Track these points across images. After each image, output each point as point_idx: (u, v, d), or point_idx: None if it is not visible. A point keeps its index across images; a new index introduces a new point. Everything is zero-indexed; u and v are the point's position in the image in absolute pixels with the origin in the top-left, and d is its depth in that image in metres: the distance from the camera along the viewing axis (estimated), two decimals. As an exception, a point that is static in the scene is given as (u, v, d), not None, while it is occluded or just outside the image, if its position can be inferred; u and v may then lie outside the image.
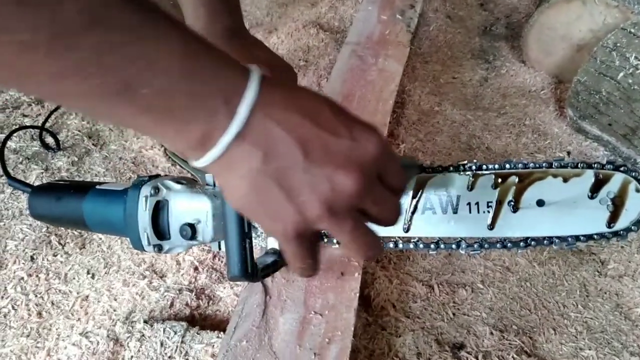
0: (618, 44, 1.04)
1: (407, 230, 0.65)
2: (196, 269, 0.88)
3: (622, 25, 1.06)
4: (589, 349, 0.79)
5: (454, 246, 0.65)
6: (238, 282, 0.86)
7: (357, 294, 0.72)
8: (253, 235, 0.69)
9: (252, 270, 0.55)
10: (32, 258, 0.90)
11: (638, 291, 0.86)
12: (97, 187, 0.68)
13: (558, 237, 0.62)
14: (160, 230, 0.61)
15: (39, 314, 0.82)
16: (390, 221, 0.43)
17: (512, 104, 1.29)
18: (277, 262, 0.65)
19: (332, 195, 0.36)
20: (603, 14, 1.19)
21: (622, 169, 0.61)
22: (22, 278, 0.87)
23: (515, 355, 0.77)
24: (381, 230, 0.56)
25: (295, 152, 0.35)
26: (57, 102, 0.35)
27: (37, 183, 1.01)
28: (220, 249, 0.65)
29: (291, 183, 0.36)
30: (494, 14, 1.65)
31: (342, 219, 0.38)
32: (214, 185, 0.62)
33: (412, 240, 0.66)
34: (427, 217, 0.64)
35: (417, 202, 0.64)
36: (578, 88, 1.12)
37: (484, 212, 0.63)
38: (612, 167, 0.61)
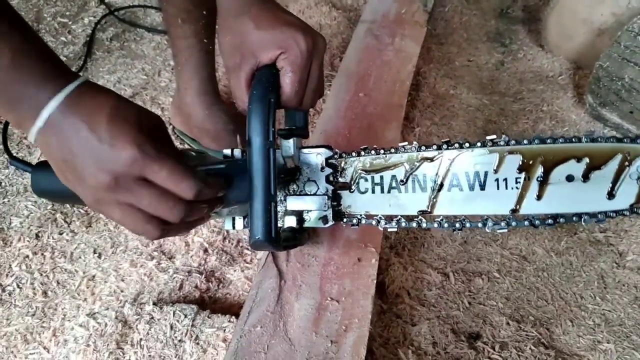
0: (644, 29, 1.00)
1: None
2: (206, 250, 0.85)
3: (648, 10, 1.02)
4: (607, 342, 0.77)
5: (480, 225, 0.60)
6: (249, 264, 0.84)
7: (375, 281, 0.70)
8: None
9: (275, 236, 0.52)
10: (37, 236, 0.88)
11: (658, 284, 0.84)
12: None
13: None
14: None
15: (44, 293, 0.80)
16: None
17: (529, 89, 1.25)
18: (297, 238, 0.62)
19: None
20: (627, -3, 1.15)
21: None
22: (27, 256, 0.84)
23: (532, 347, 0.75)
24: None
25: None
26: None
27: (42, 159, 0.98)
28: (234, 227, 0.63)
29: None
30: (510, -4, 1.61)
31: None
32: (232, 155, 0.60)
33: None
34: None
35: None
36: (599, 74, 1.08)
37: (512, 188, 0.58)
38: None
